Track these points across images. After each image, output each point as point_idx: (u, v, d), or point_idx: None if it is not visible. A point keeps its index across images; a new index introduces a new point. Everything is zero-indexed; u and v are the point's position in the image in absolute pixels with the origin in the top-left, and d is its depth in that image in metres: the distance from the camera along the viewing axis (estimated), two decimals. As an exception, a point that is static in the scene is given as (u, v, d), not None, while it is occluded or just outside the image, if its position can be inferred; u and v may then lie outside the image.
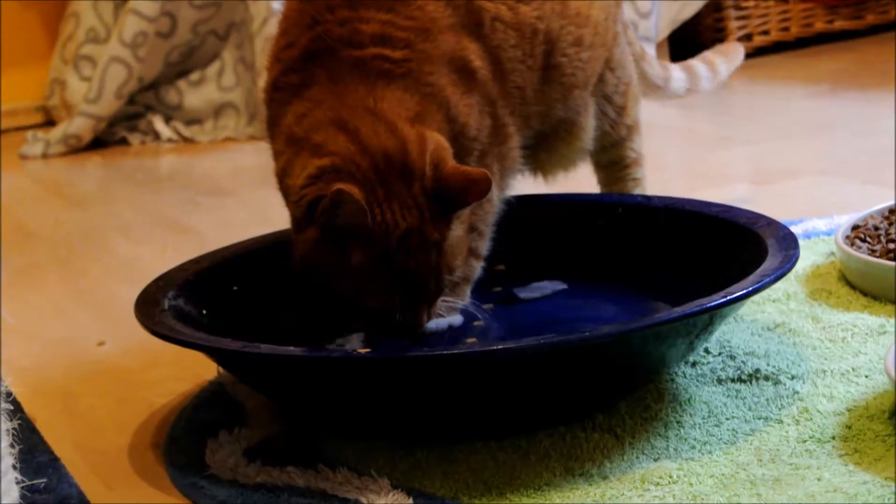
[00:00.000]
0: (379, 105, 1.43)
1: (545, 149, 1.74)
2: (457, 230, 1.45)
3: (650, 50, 3.46)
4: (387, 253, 1.39)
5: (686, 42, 3.70)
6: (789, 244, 1.44)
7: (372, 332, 1.48)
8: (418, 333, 1.44)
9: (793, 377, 1.41)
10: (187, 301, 1.52)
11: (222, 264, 1.64)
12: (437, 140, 1.43)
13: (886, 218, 1.76)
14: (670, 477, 1.22)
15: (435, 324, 1.48)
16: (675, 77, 2.06)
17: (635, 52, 1.91)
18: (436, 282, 1.43)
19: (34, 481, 1.25)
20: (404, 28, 1.48)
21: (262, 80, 3.01)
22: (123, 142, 3.53)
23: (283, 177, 1.48)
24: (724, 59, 2.15)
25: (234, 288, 1.62)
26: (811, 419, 1.31)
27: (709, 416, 1.34)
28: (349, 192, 1.35)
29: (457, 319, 1.51)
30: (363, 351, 1.32)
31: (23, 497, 1.18)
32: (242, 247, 1.70)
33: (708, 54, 2.15)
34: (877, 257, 1.63)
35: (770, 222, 1.53)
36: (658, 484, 1.21)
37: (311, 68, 1.48)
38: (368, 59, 1.46)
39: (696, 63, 2.11)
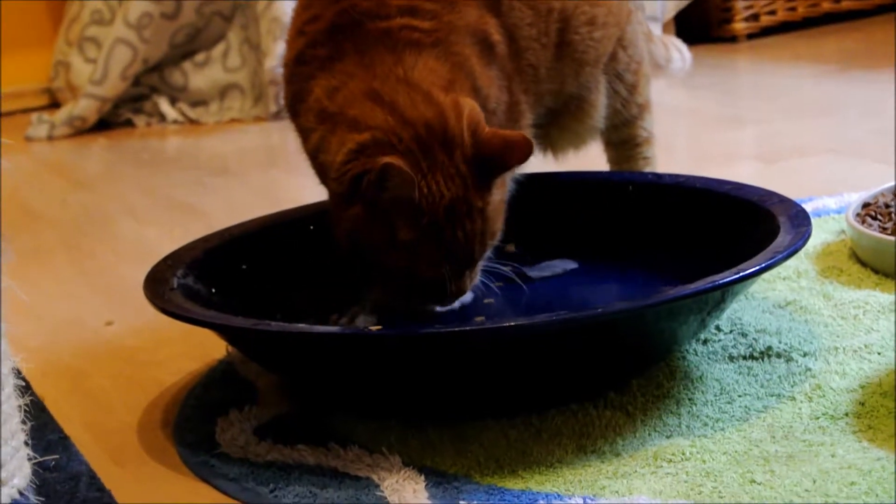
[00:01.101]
0: (410, 74, 1.43)
1: (556, 126, 1.74)
2: (496, 195, 1.45)
3: (656, 30, 3.45)
4: (435, 224, 1.39)
5: (692, 22, 3.69)
6: (801, 221, 1.44)
7: (419, 305, 1.47)
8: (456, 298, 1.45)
9: (805, 354, 1.40)
10: (196, 280, 1.52)
11: (231, 243, 1.63)
12: (471, 105, 1.43)
13: (897, 196, 1.75)
14: (683, 454, 1.22)
15: None
16: (675, 57, 2.07)
17: (643, 32, 1.91)
18: (480, 248, 1.44)
19: (45, 458, 1.25)
20: (430, 2, 1.47)
21: (269, 60, 3.00)
22: (129, 123, 3.53)
23: (316, 154, 1.47)
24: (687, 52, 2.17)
25: (244, 266, 1.61)
26: (824, 396, 1.30)
27: (721, 394, 1.34)
28: (397, 165, 1.34)
29: (467, 297, 1.51)
30: (375, 328, 1.31)
31: (34, 474, 1.17)
32: (251, 225, 1.69)
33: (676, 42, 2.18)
34: (888, 235, 1.63)
35: (782, 199, 1.52)
36: (671, 461, 1.21)
37: (338, 41, 1.47)
38: (396, 29, 1.45)
39: (681, 44, 2.12)
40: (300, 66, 1.50)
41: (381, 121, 1.40)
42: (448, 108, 1.41)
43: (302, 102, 1.49)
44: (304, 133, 1.51)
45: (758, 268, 1.31)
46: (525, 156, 1.42)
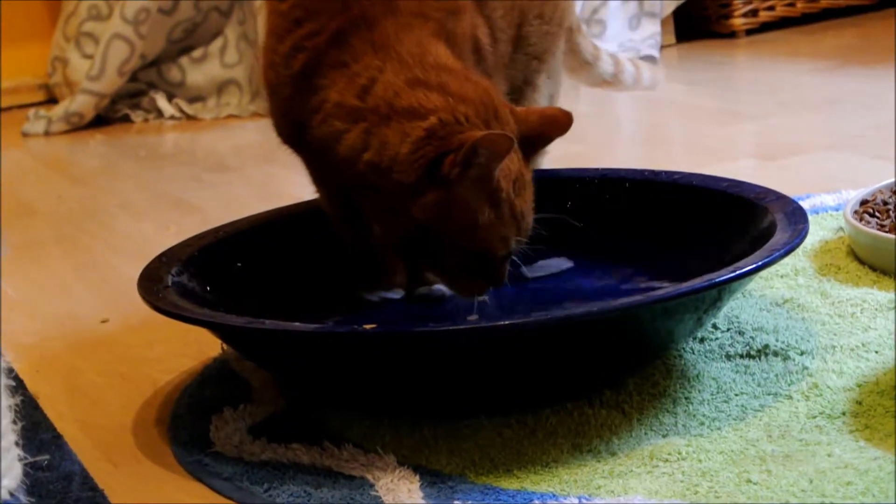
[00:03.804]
0: (441, 60, 1.42)
1: None
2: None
3: (654, 26, 3.44)
4: (508, 199, 1.39)
5: (691, 18, 3.68)
6: (798, 219, 1.43)
7: (475, 291, 1.47)
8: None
9: (802, 353, 1.40)
10: (191, 277, 1.51)
11: (226, 240, 1.63)
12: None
13: (895, 193, 1.74)
14: (679, 453, 1.21)
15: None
16: (603, 59, 2.03)
17: (573, 24, 1.90)
18: (531, 221, 1.45)
19: (37, 458, 1.24)
20: (437, 9, 1.47)
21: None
22: (126, 119, 3.52)
23: (358, 154, 1.41)
24: (649, 70, 2.13)
25: (238, 264, 1.60)
26: (821, 395, 1.30)
27: (717, 392, 1.33)
28: (495, 134, 1.34)
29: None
30: (369, 326, 1.31)
31: (26, 475, 1.17)
32: (246, 222, 1.69)
33: (636, 60, 2.15)
34: (886, 232, 1.62)
35: (779, 197, 1.52)
36: (667, 460, 1.20)
37: (348, 45, 1.43)
38: (409, 21, 1.44)
39: (623, 59, 2.09)
40: (305, 81, 1.45)
41: (440, 104, 1.38)
42: (489, 88, 1.42)
43: (315, 115, 1.44)
44: (328, 141, 1.44)
45: (754, 266, 1.30)
46: (566, 128, 1.45)
